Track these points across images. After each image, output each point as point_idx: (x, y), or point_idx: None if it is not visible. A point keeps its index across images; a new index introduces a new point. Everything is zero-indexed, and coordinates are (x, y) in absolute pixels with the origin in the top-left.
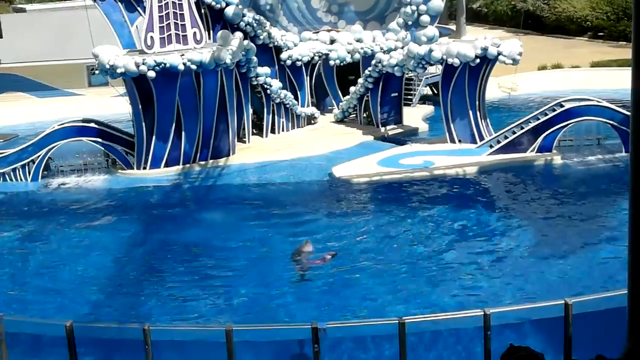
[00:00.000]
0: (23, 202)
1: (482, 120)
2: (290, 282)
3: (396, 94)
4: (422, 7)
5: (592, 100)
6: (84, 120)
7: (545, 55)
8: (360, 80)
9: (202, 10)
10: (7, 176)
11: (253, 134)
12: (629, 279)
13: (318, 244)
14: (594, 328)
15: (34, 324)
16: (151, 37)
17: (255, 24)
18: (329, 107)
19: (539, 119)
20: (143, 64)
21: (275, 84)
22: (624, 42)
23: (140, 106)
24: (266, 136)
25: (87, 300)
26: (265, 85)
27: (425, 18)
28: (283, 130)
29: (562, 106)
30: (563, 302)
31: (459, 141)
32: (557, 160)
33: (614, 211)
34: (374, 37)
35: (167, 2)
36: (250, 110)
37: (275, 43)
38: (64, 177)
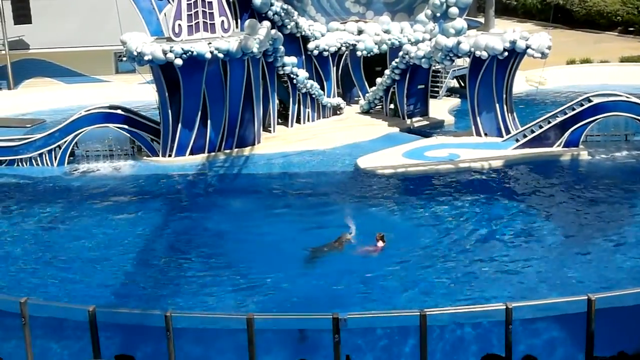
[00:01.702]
0: (49, 187)
1: (509, 114)
2: (312, 270)
3: (423, 86)
4: None
5: (621, 95)
6: (110, 107)
7: (574, 49)
8: (387, 72)
9: None
10: (33, 161)
11: (278, 123)
12: None
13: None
14: (616, 324)
15: (57, 308)
16: (179, 24)
17: (283, 14)
18: (355, 98)
19: (566, 113)
20: (170, 51)
21: (302, 73)
22: None
23: (166, 94)
24: (291, 126)
25: (110, 285)
26: (292, 75)
27: (453, 10)
28: (308, 120)
29: (590, 101)
30: (586, 297)
31: (485, 134)
32: (584, 155)
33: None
34: (402, 29)
35: None
36: (276, 100)
37: (303, 33)
38: (90, 163)
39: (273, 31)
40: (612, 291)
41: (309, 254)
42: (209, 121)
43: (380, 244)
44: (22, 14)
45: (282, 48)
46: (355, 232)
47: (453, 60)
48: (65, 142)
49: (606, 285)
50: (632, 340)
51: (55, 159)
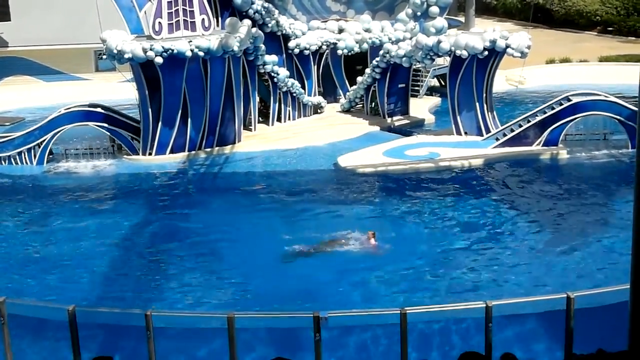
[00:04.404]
0: (28, 185)
1: (489, 113)
2: (295, 268)
3: (403, 85)
4: None
5: (600, 95)
6: (90, 105)
7: (554, 49)
8: (368, 71)
9: None
10: (12, 159)
11: (259, 122)
12: (632, 274)
13: (324, 232)
14: (595, 322)
15: (36, 307)
16: (159, 22)
17: (263, 12)
18: (337, 97)
19: (545, 112)
20: (151, 49)
21: (283, 72)
22: (633, 38)
23: (147, 92)
24: (272, 124)
25: (90, 285)
26: (273, 74)
27: (434, 9)
28: (289, 119)
29: (569, 100)
30: (565, 295)
31: (465, 133)
32: (563, 154)
33: (618, 206)
34: (383, 27)
35: None
36: (257, 99)
37: (284, 31)
38: (70, 161)
39: (254, 29)
40: (591, 289)
41: (297, 252)
42: (189, 119)
43: (372, 241)
44: (1, 11)
45: (262, 46)
46: (342, 232)
47: (433, 59)
48: (45, 140)
49: (583, 283)
50: (611, 338)
51: (35, 158)
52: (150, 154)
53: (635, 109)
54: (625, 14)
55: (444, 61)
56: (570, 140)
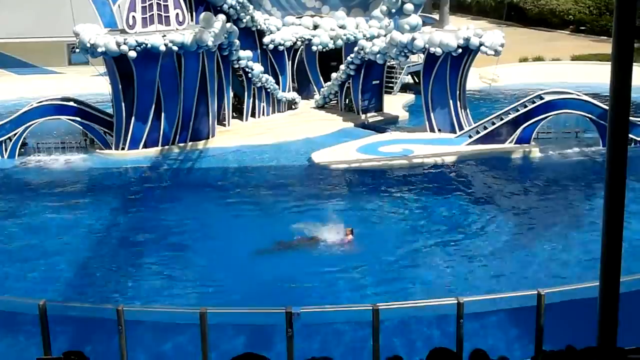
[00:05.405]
0: None
1: (462, 110)
2: (268, 265)
3: (377, 82)
4: None
5: (572, 93)
6: (63, 99)
7: (527, 47)
8: (342, 67)
9: None
10: None
11: (233, 117)
12: (601, 271)
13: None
14: (565, 318)
15: (6, 302)
16: (133, 16)
17: (238, 7)
18: (312, 93)
19: (518, 110)
20: (124, 43)
21: (257, 67)
22: (605, 37)
23: (120, 86)
24: (246, 120)
25: (61, 279)
26: (247, 69)
27: (409, 6)
28: (263, 114)
29: (542, 98)
30: (536, 292)
31: (439, 130)
32: (535, 152)
33: (588, 204)
34: (357, 24)
35: None
36: (231, 94)
37: (258, 27)
38: (41, 155)
39: (228, 25)
40: (561, 286)
41: (271, 248)
42: (163, 114)
43: (349, 237)
44: None
45: (237, 42)
46: (316, 228)
47: (408, 57)
48: (16, 134)
49: (552, 280)
50: (580, 335)
51: (6, 152)
52: (123, 148)
53: (606, 107)
54: (597, 13)
55: (418, 58)
56: (542, 138)
